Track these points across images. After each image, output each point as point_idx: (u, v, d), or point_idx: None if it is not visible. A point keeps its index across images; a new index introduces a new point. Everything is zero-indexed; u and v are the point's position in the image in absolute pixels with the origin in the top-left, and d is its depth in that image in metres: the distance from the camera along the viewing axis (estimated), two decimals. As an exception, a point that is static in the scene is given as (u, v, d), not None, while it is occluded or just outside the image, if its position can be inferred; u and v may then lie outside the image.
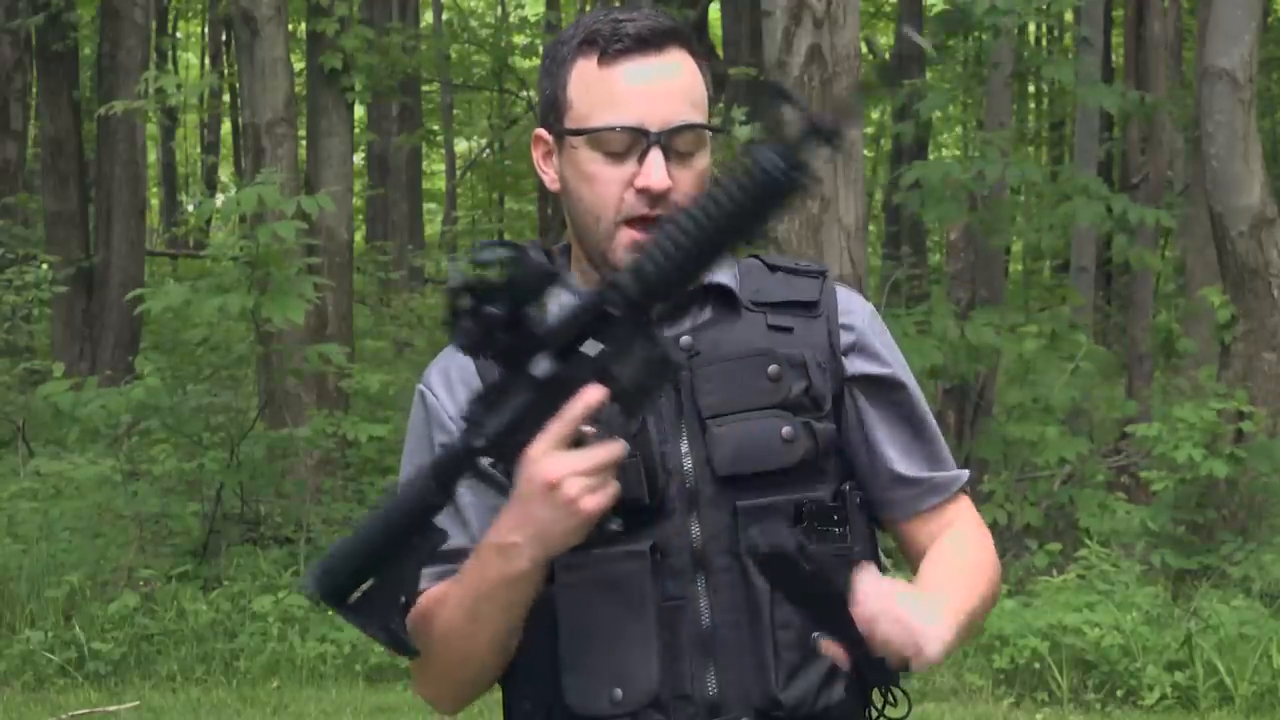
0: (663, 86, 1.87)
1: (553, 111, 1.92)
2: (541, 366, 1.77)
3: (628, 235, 1.87)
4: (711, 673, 1.85)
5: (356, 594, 1.86)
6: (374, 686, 6.96)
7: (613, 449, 1.74)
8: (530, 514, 1.75)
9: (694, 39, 1.94)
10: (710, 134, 1.91)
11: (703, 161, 1.89)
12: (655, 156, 1.84)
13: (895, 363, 1.99)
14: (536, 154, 1.95)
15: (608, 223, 1.87)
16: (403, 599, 1.85)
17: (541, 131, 1.94)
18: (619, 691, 1.84)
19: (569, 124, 1.89)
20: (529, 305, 1.75)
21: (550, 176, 1.94)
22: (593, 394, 1.73)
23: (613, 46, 1.87)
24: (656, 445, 1.87)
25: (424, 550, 1.85)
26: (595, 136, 1.86)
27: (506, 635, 1.86)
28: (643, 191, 1.85)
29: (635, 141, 1.85)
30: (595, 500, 1.73)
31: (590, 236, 1.90)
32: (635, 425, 1.85)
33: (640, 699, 1.84)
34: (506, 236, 24.89)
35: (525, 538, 1.76)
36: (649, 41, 1.87)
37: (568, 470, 1.72)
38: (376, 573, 1.85)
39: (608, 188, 1.86)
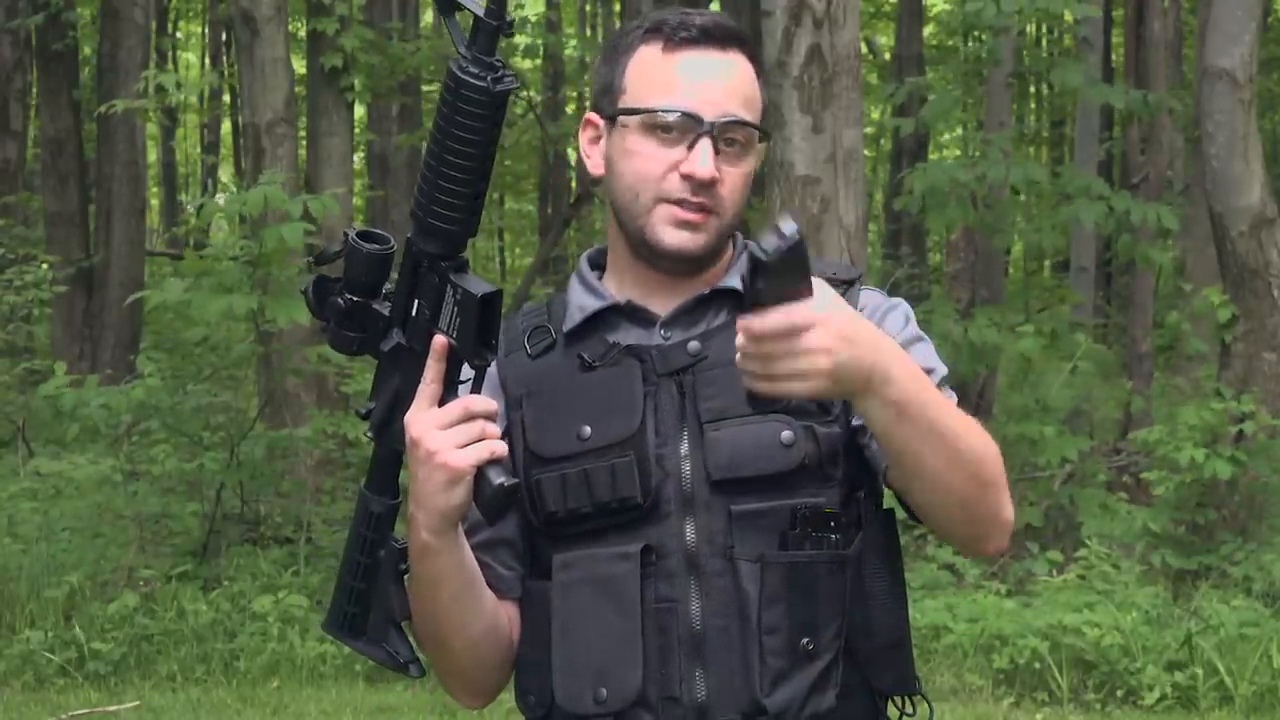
0: (721, 81, 1.89)
1: (606, 95, 1.94)
2: (391, 342, 1.81)
3: (666, 210, 1.88)
4: (700, 676, 1.85)
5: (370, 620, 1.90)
6: (374, 686, 6.96)
7: (470, 400, 1.76)
8: (414, 479, 1.78)
9: (756, 48, 1.97)
10: (759, 141, 1.92)
11: (749, 164, 1.91)
12: (705, 145, 1.86)
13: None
14: (584, 139, 1.97)
15: (647, 198, 1.89)
16: (393, 615, 1.87)
17: (593, 116, 1.96)
18: (603, 691, 1.84)
19: (623, 104, 1.91)
20: (370, 292, 1.80)
21: (594, 161, 1.96)
22: (438, 345, 1.76)
23: (679, 35, 1.90)
24: (652, 446, 1.87)
25: (391, 561, 1.87)
26: (649, 117, 1.88)
27: (456, 612, 1.87)
28: (687, 178, 1.87)
29: (688, 128, 1.87)
30: (461, 456, 1.74)
31: (629, 215, 1.91)
32: (636, 424, 1.87)
33: (624, 699, 1.84)
34: (506, 236, 24.89)
35: (417, 506, 1.79)
36: (715, 37, 1.91)
37: (429, 425, 1.75)
38: (367, 591, 1.88)
39: (651, 165, 1.88)
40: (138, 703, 6.62)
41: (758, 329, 1.63)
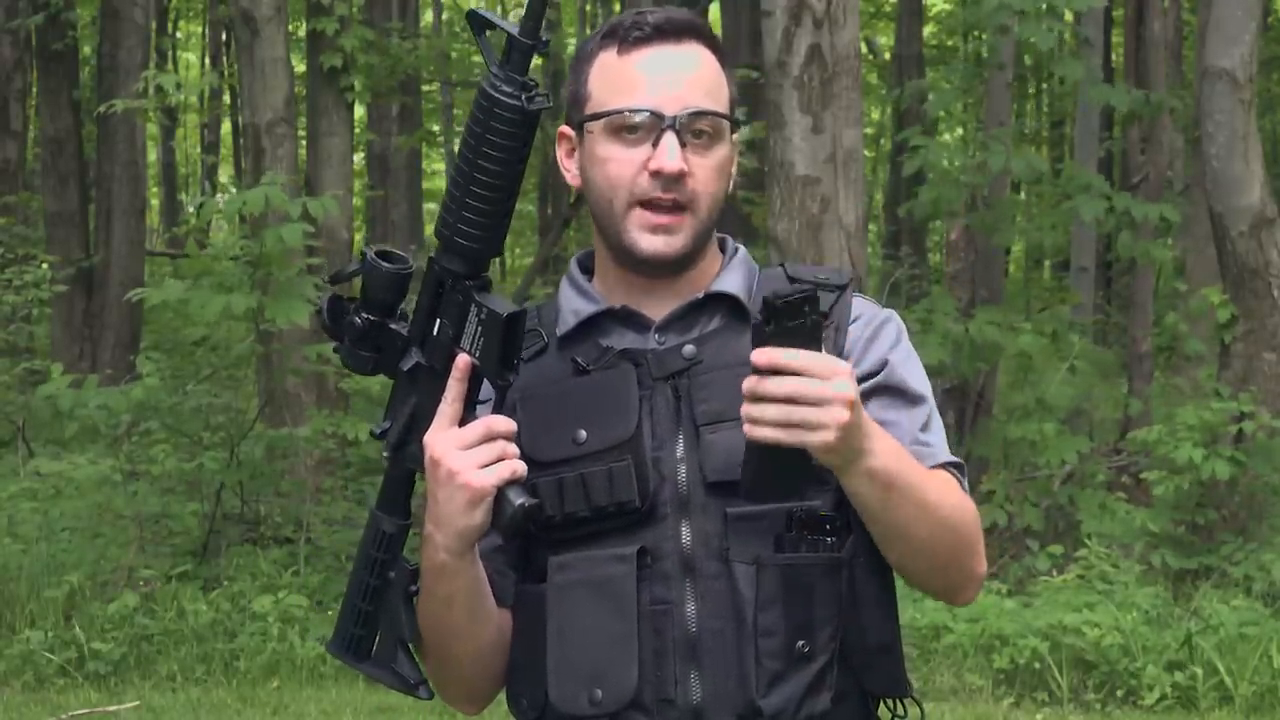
0: (679, 74, 1.90)
1: (575, 105, 1.95)
2: (410, 361, 1.82)
3: (641, 216, 1.88)
4: (695, 678, 1.85)
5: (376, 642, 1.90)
6: (374, 686, 6.95)
7: (491, 421, 1.78)
8: (433, 499, 1.80)
9: (715, 37, 1.97)
10: (729, 127, 1.92)
11: (721, 153, 1.91)
12: (669, 140, 1.86)
13: (885, 359, 1.94)
14: (560, 153, 1.98)
15: (620, 203, 1.89)
16: (402, 636, 1.88)
17: (565, 128, 1.97)
18: (598, 692, 1.85)
19: (588, 111, 1.92)
20: (387, 311, 1.81)
21: (572, 173, 1.96)
22: (461, 364, 1.79)
23: (633, 35, 1.91)
24: (649, 450, 1.87)
25: (401, 583, 1.87)
26: (612, 119, 1.89)
27: (466, 627, 1.88)
28: (656, 174, 1.87)
29: (651, 125, 1.87)
30: (483, 476, 1.76)
31: (606, 221, 1.92)
32: (633, 427, 1.87)
33: (619, 700, 1.84)
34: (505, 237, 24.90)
35: (435, 526, 1.81)
36: (668, 32, 1.91)
37: (451, 445, 1.77)
38: (374, 613, 1.89)
39: (621, 168, 1.88)
40: (138, 703, 6.62)
41: (784, 362, 1.64)
